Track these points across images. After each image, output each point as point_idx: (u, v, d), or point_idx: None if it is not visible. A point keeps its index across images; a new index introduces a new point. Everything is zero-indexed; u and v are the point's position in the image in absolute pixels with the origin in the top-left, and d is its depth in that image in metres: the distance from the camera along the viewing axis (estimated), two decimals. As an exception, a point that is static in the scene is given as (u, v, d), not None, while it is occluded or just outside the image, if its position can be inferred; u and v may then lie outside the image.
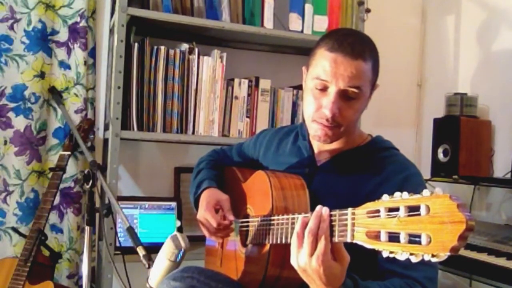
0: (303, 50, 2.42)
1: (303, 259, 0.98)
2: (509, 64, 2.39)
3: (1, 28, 2.13)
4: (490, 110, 2.46)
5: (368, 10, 2.36)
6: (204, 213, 1.39)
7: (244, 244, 1.37)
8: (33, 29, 2.15)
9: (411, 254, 0.78)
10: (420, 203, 0.77)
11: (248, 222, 1.35)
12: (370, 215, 0.86)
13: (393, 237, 0.81)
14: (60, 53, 2.21)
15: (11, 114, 2.15)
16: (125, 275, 1.50)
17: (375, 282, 1.10)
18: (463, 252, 1.87)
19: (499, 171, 2.38)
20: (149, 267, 1.25)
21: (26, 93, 2.15)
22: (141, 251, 1.28)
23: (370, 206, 0.87)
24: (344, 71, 1.18)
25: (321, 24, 2.32)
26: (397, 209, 0.81)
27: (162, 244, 1.23)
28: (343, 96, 1.21)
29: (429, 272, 1.15)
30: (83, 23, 2.21)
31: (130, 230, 1.33)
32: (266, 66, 2.52)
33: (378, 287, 1.08)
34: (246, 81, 2.25)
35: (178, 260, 1.21)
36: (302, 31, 2.29)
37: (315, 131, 1.26)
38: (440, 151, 2.39)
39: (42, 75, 2.18)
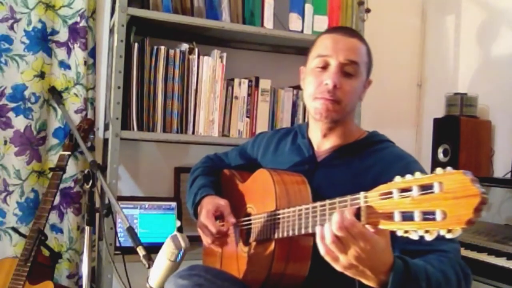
0: (303, 50, 2.39)
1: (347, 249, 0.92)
2: (509, 64, 2.38)
3: (1, 28, 2.12)
4: (490, 110, 2.45)
5: (368, 10, 2.36)
6: (204, 221, 1.40)
7: (246, 243, 1.37)
8: (33, 29, 2.15)
9: (426, 231, 0.78)
10: (433, 181, 0.78)
11: (250, 220, 1.35)
12: (383, 197, 0.86)
13: (407, 216, 0.81)
14: (60, 53, 2.21)
15: (11, 114, 2.15)
16: (125, 275, 1.50)
17: (418, 260, 1.05)
18: (463, 252, 1.87)
19: (499, 171, 2.37)
20: (149, 267, 1.25)
21: (26, 93, 2.15)
22: (141, 251, 1.28)
23: (382, 188, 0.87)
24: (342, 46, 1.30)
25: (321, 24, 2.32)
26: (410, 189, 0.81)
27: (162, 244, 1.23)
28: (343, 72, 1.30)
29: (452, 246, 1.13)
30: (83, 23, 2.20)
31: (130, 230, 1.33)
32: (266, 66, 2.52)
33: (425, 264, 1.04)
34: (246, 81, 2.25)
35: (178, 260, 1.21)
36: (302, 31, 2.30)
37: (316, 107, 1.32)
38: (440, 151, 2.39)
39: (42, 75, 2.18)
